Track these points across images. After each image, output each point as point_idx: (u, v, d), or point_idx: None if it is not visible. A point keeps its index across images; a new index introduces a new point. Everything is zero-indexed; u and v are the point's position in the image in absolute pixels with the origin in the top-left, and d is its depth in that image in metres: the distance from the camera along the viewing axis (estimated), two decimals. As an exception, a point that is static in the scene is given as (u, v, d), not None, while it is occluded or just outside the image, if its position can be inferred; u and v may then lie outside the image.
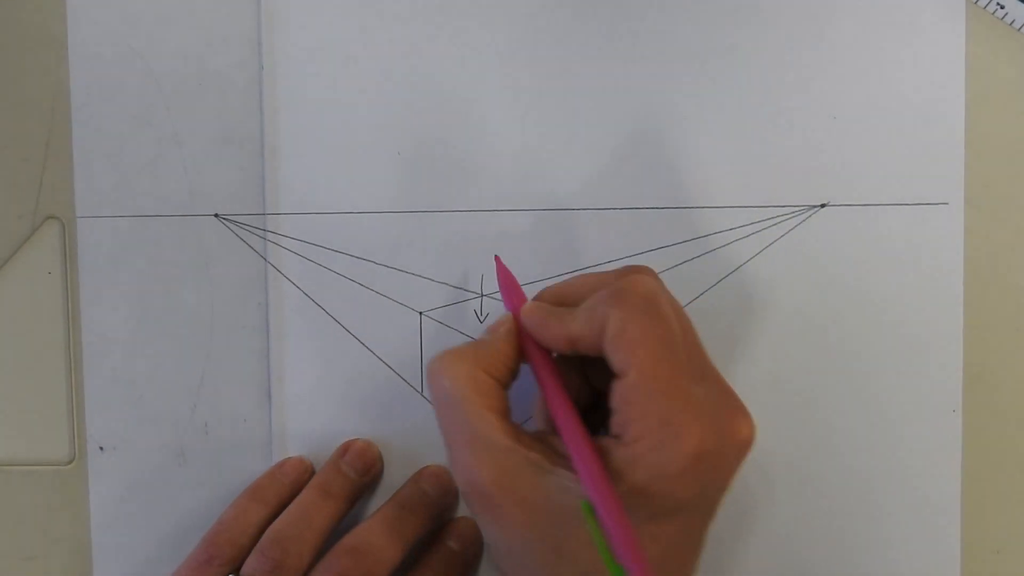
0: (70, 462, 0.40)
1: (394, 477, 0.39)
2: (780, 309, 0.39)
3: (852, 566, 0.39)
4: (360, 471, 0.38)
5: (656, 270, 0.38)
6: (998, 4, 0.38)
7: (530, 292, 0.38)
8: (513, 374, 0.34)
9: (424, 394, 0.39)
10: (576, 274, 0.38)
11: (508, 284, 0.37)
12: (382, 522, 0.37)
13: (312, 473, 0.39)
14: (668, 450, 0.30)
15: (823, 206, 0.39)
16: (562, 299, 0.35)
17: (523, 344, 0.34)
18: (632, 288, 0.32)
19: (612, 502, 0.30)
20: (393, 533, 0.36)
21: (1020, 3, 0.38)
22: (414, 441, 0.39)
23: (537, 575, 0.32)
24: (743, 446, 0.32)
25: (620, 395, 0.31)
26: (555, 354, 0.34)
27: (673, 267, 0.39)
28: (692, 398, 0.31)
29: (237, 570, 0.36)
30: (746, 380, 0.39)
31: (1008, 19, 0.38)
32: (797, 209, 0.39)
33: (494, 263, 0.38)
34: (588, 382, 0.35)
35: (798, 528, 0.39)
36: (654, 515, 0.31)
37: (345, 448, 0.39)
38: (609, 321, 0.31)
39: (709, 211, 0.39)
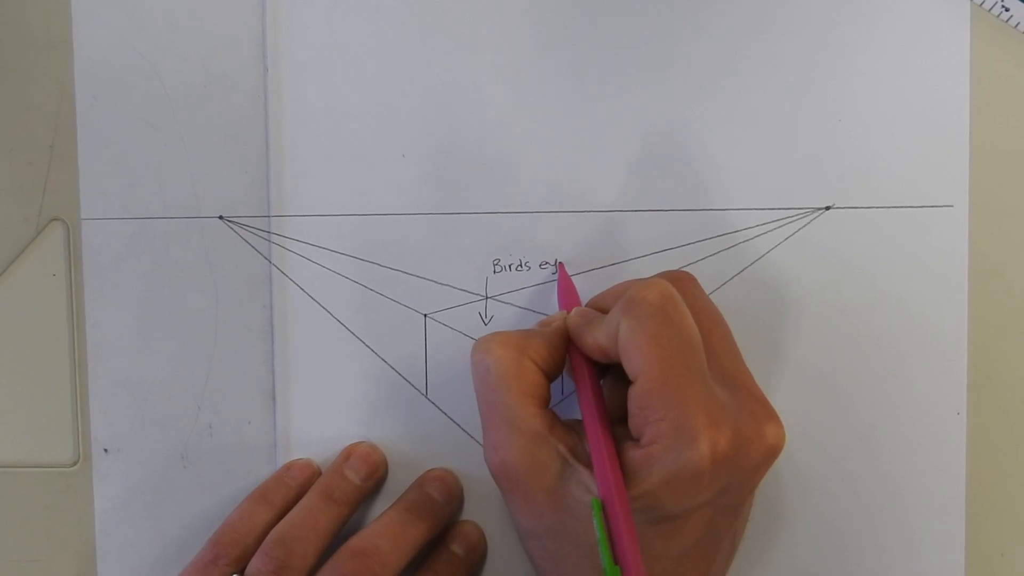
0: (74, 464, 0.40)
1: (398, 479, 0.39)
2: (784, 311, 0.39)
3: (855, 568, 0.39)
4: (364, 476, 0.38)
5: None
6: (1003, 7, 0.38)
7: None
8: (558, 368, 0.35)
9: (428, 396, 0.39)
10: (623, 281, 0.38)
11: (565, 288, 0.38)
12: (388, 525, 0.37)
13: (319, 476, 0.39)
14: (683, 454, 0.31)
15: (828, 208, 0.39)
16: (604, 306, 0.35)
17: (568, 344, 0.35)
18: (642, 296, 0.32)
19: (620, 505, 0.31)
20: (399, 537, 0.36)
21: (1025, 6, 0.38)
22: (418, 443, 0.39)
23: (558, 561, 0.33)
24: (769, 451, 0.33)
25: (634, 400, 0.32)
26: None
27: (678, 269, 0.39)
28: (709, 402, 0.31)
29: (242, 570, 0.36)
30: (751, 383, 0.39)
31: (1013, 22, 0.38)
32: (802, 211, 0.39)
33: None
34: None
35: (799, 530, 0.39)
36: (670, 515, 0.32)
37: (349, 452, 0.39)
38: (620, 330, 0.32)
39: (714, 213, 0.39)
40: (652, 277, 0.34)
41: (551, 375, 0.34)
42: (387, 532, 0.36)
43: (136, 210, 0.39)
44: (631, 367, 0.32)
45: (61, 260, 0.40)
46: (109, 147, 0.39)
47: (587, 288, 0.39)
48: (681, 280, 0.35)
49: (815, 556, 0.39)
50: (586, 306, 0.36)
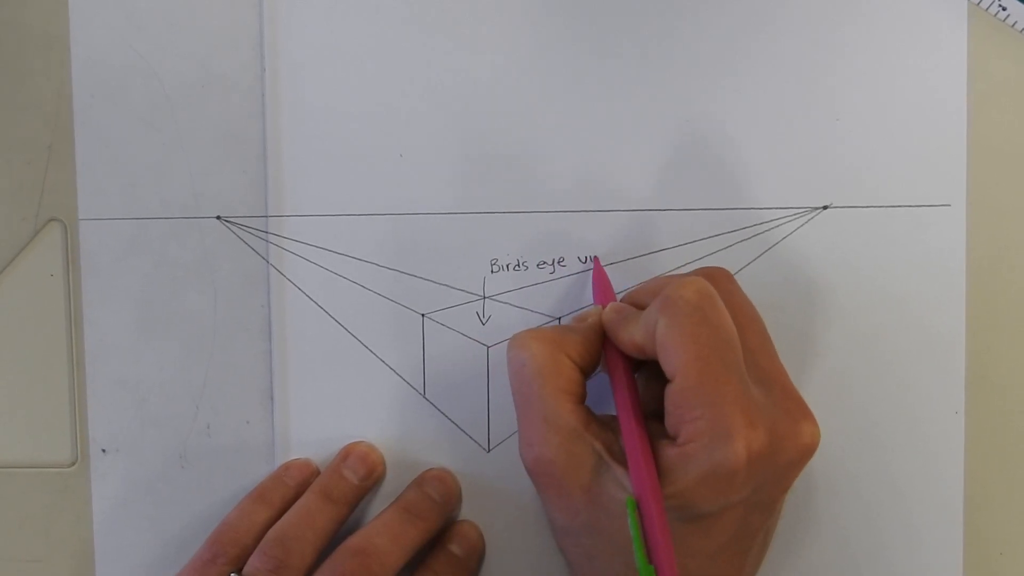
0: (72, 464, 0.40)
1: (397, 479, 0.39)
2: (782, 311, 0.39)
3: (854, 568, 0.39)
4: (362, 476, 0.38)
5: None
6: (1000, 6, 0.38)
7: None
8: (594, 364, 0.35)
9: (426, 396, 0.39)
10: (660, 276, 0.38)
11: (600, 283, 0.38)
12: (386, 525, 0.37)
13: (317, 475, 0.39)
14: (718, 452, 0.31)
15: (826, 208, 0.39)
16: (639, 301, 0.35)
17: (604, 340, 0.35)
18: (678, 294, 0.32)
19: (655, 504, 0.31)
20: (397, 536, 0.36)
21: (1022, 4, 0.38)
22: (416, 443, 0.39)
23: (592, 558, 0.33)
24: (804, 450, 0.33)
25: (670, 399, 0.32)
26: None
27: (675, 270, 0.39)
28: (745, 401, 0.31)
29: (240, 569, 0.36)
30: (749, 382, 0.39)
31: (1010, 21, 0.38)
32: (800, 211, 0.39)
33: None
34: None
35: (798, 528, 0.39)
36: (704, 513, 0.32)
37: (347, 452, 0.39)
38: (656, 328, 0.32)
39: (712, 213, 0.39)
40: (689, 274, 0.34)
41: (587, 371, 0.34)
42: (386, 531, 0.36)
43: (134, 210, 0.39)
44: (668, 365, 0.32)
45: (59, 260, 0.40)
46: (107, 147, 0.39)
47: (581, 289, 0.39)
48: (717, 277, 0.35)
49: (814, 554, 0.39)
50: (621, 301, 0.36)
